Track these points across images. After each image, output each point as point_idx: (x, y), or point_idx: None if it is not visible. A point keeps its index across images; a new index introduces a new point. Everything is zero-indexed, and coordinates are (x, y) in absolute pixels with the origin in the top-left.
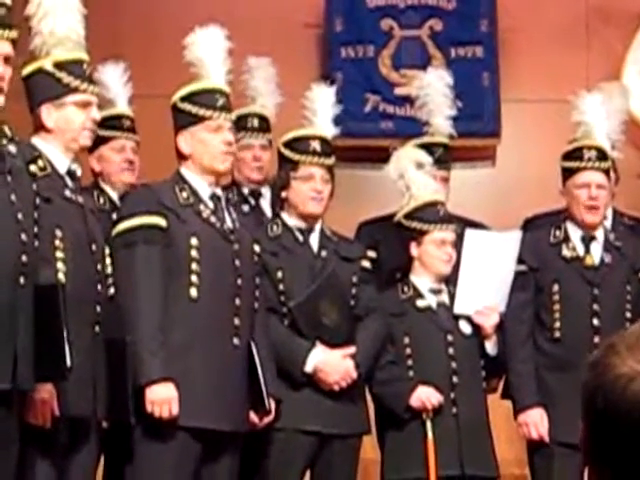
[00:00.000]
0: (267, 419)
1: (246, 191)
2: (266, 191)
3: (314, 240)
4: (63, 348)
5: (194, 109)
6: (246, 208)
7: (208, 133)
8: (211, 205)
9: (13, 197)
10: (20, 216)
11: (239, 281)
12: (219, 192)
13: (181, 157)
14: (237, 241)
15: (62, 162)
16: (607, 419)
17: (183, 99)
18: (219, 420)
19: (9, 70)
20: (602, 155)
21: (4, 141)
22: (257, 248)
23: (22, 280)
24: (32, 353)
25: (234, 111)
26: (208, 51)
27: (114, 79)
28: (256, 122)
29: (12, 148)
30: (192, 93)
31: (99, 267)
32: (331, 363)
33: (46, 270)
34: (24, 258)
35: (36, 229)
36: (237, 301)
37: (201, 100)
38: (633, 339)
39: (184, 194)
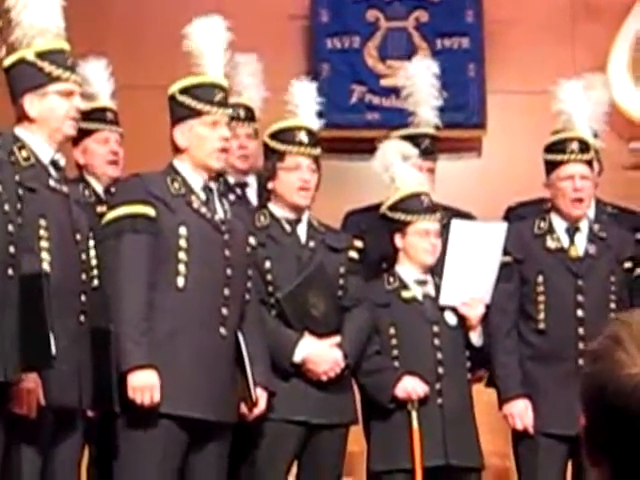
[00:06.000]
0: (257, 411)
1: (232, 181)
2: (252, 181)
3: (302, 231)
4: (47, 336)
5: (192, 102)
6: (232, 197)
7: (205, 128)
8: (203, 196)
9: (0, 188)
10: (7, 207)
11: (228, 271)
12: (212, 184)
13: (176, 150)
14: (228, 232)
15: (46, 152)
16: (615, 416)
17: (182, 92)
18: (203, 409)
19: None
20: (585, 146)
21: None
22: (252, 240)
23: (10, 271)
24: (18, 344)
25: None
26: (208, 42)
27: (96, 74)
28: (242, 112)
29: None
30: (191, 86)
31: (83, 257)
32: (320, 353)
33: (29, 260)
34: (11, 249)
35: (20, 220)
36: (226, 291)
37: (199, 94)
38: None
39: (176, 185)
